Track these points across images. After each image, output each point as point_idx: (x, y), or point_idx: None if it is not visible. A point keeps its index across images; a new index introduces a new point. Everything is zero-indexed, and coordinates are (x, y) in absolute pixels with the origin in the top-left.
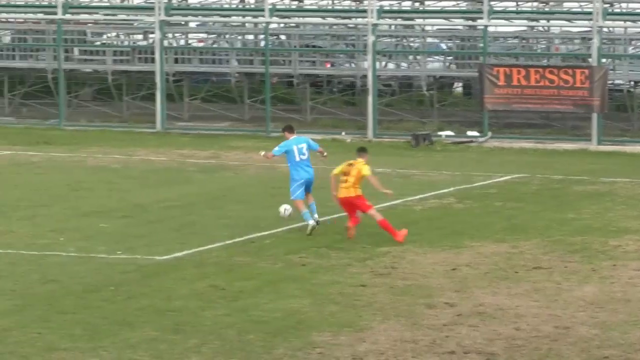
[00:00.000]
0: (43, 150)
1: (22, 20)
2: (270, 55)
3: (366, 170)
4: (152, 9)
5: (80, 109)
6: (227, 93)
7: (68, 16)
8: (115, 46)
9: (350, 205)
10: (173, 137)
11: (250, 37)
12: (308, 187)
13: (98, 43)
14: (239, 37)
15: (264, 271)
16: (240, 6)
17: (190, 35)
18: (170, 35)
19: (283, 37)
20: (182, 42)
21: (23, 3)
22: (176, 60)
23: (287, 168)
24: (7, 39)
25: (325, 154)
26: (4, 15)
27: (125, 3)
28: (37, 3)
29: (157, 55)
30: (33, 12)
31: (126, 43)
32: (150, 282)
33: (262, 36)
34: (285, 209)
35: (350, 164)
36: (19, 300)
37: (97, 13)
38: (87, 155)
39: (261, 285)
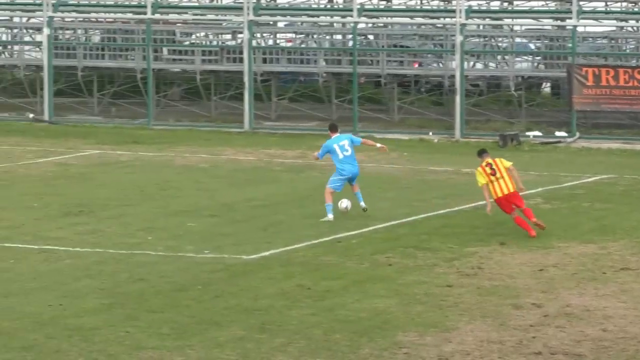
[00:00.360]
0: (132, 150)
1: (111, 19)
2: (358, 55)
3: (507, 162)
4: (240, 8)
5: (168, 108)
6: (315, 93)
7: (157, 16)
8: (204, 46)
9: (510, 202)
10: (260, 136)
11: (338, 37)
12: (352, 180)
13: (187, 43)
14: (327, 37)
15: (351, 271)
16: (328, 6)
17: (278, 35)
18: (258, 35)
19: (371, 37)
20: (270, 42)
21: (113, 3)
22: (264, 60)
23: (372, 167)
24: (96, 39)
25: (382, 147)
26: (94, 14)
27: (214, 3)
28: (127, 3)
29: (245, 55)
30: (122, 12)
31: (215, 43)
32: (237, 281)
33: (350, 36)
34: (341, 202)
35: (488, 164)
36: (107, 299)
37: (186, 13)
38: (175, 154)
39: (347, 284)
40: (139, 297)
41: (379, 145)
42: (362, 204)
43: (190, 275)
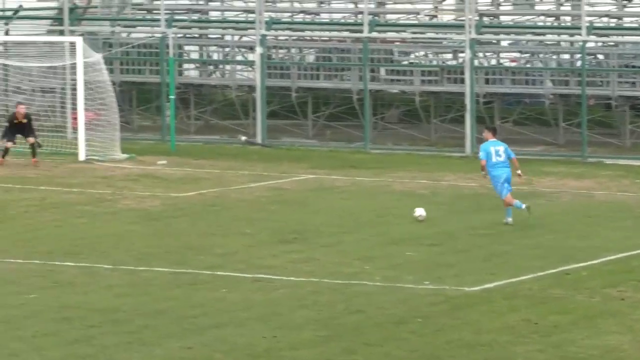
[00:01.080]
0: (348, 175)
1: (326, 38)
2: (587, 76)
3: None
4: (462, 27)
5: (386, 131)
6: (541, 116)
7: (374, 34)
8: (423, 66)
9: None
10: None
11: (566, 56)
12: (507, 182)
13: (405, 62)
14: (554, 57)
15: (580, 305)
16: (555, 24)
17: (501, 55)
18: (480, 54)
19: (601, 56)
20: (493, 61)
21: (328, 21)
22: (487, 81)
23: (603, 195)
24: (311, 58)
25: (519, 174)
26: (308, 33)
27: (434, 21)
28: (343, 21)
29: (467, 76)
30: (338, 30)
31: (435, 62)
32: (459, 314)
33: (578, 55)
34: (418, 212)
35: None
36: (323, 330)
37: (404, 31)
38: (393, 179)
39: (577, 319)
40: (356, 330)
41: (519, 171)
42: (510, 219)
43: (410, 307)
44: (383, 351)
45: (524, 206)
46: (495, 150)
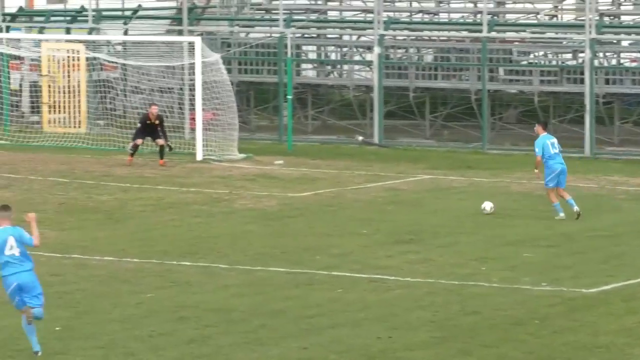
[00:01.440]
0: (465, 175)
1: (445, 38)
2: None
3: None
4: (582, 26)
5: (504, 131)
6: None
7: (493, 34)
8: (543, 66)
9: None
10: (602, 162)
11: None
12: (561, 182)
13: (524, 62)
14: None
15: None
16: None
17: (622, 55)
18: (600, 54)
19: None
20: (613, 61)
21: (447, 20)
22: (607, 81)
23: None
24: (429, 58)
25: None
26: (427, 33)
27: (554, 21)
28: (462, 20)
29: (586, 76)
30: (457, 30)
31: (554, 63)
32: (576, 316)
33: None
34: (485, 205)
35: None
36: (438, 332)
37: (524, 31)
38: (511, 180)
39: None
40: (472, 331)
41: (536, 170)
42: (576, 208)
43: (527, 308)
44: (499, 352)
45: (562, 214)
46: (551, 143)
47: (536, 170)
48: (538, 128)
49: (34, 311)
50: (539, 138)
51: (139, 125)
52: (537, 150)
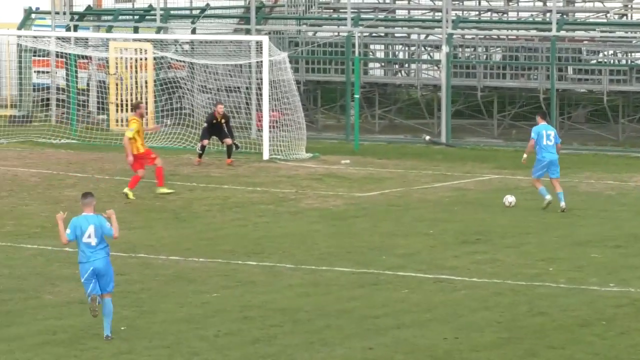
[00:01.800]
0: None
1: (514, 37)
2: None
3: None
4: None
5: (573, 131)
6: None
7: (562, 33)
8: (612, 65)
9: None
10: None
11: None
12: (553, 172)
13: (593, 62)
14: None
15: None
16: None
17: None
18: None
19: None
20: None
21: (515, 19)
22: None
23: None
24: (497, 57)
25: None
26: (495, 32)
27: (624, 20)
28: (531, 19)
29: None
30: (526, 29)
31: (623, 62)
32: None
33: None
34: (506, 198)
35: None
36: (505, 333)
37: (593, 30)
38: (580, 180)
39: None
40: (539, 332)
41: (525, 156)
42: (563, 204)
43: (594, 309)
44: (565, 354)
45: (548, 196)
46: (547, 134)
47: (525, 156)
48: (538, 117)
49: (104, 300)
50: (537, 126)
51: (205, 125)
52: (532, 134)
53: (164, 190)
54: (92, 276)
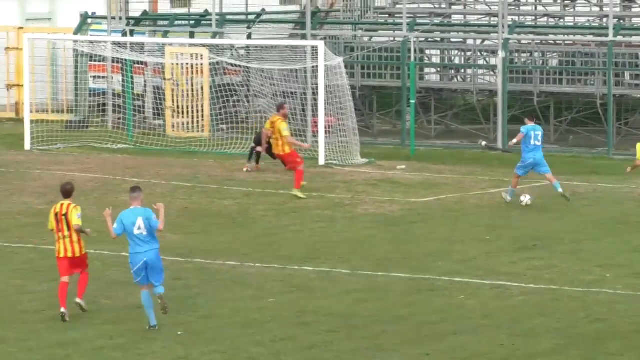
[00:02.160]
0: (589, 181)
1: (570, 42)
2: None
3: None
4: None
5: (630, 137)
6: None
7: (619, 38)
8: None
9: None
10: None
11: None
12: (536, 165)
13: None
14: None
15: None
16: None
17: None
18: None
19: None
20: None
21: (572, 24)
22: None
23: None
24: (553, 62)
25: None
26: (552, 37)
27: None
28: (587, 24)
29: None
30: (582, 34)
31: None
32: None
33: None
34: (523, 197)
35: None
36: (562, 339)
37: None
38: (637, 186)
39: None
40: (596, 339)
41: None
42: (561, 190)
43: None
44: None
45: (509, 197)
46: (535, 134)
47: (514, 140)
48: (526, 119)
49: (155, 289)
50: (526, 126)
51: (258, 132)
52: (522, 129)
53: (299, 193)
54: (143, 269)
